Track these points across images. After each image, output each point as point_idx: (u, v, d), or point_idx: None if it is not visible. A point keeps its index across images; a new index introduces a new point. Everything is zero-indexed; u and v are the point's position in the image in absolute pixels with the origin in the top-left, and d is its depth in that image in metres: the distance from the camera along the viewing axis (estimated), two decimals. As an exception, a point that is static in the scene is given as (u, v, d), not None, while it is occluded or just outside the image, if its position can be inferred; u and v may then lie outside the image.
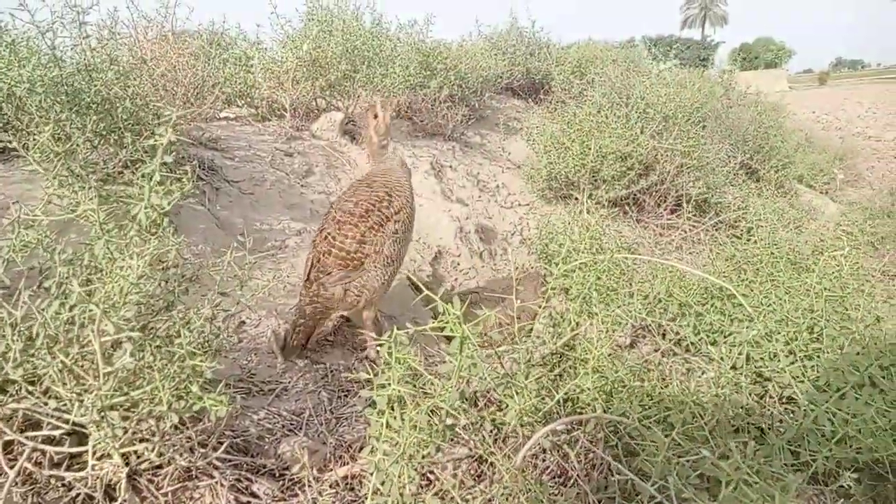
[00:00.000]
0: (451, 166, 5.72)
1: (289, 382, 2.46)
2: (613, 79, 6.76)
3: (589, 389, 1.86)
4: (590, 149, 5.40)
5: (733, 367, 2.25)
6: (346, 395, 2.43)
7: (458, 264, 4.20)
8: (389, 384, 1.65)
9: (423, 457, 1.64)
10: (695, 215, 6.16)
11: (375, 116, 2.73)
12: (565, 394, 1.92)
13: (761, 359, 2.64)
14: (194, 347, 1.71)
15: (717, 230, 6.11)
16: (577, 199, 5.66)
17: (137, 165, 2.97)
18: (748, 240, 4.97)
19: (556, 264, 4.07)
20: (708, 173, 6.28)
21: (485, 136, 7.20)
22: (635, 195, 5.85)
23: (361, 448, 2.16)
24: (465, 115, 6.50)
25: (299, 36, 5.20)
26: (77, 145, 2.76)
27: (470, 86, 6.91)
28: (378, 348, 2.90)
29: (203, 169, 3.49)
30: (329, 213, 2.71)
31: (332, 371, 2.57)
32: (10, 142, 2.50)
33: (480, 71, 7.17)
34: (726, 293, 3.30)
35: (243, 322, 2.71)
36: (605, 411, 1.84)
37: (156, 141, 2.12)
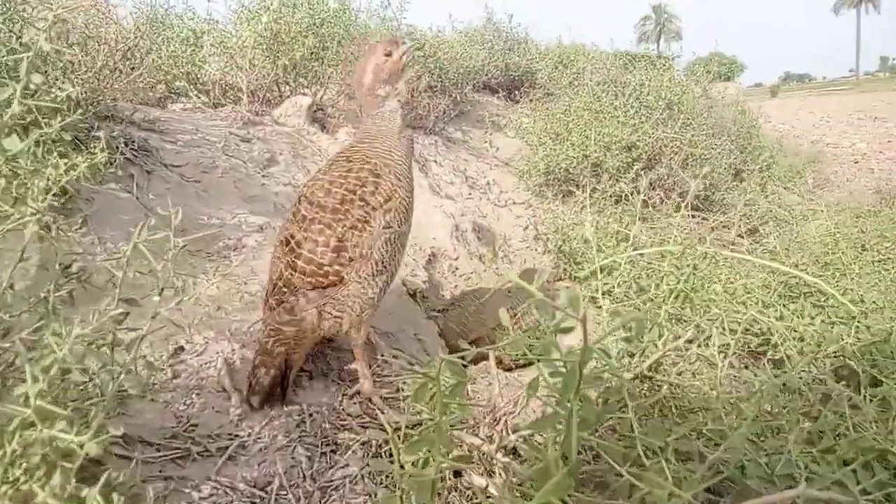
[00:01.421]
0: (436, 161, 5.02)
1: (248, 436, 1.67)
2: (608, 66, 6.19)
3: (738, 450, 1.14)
4: (589, 139, 4.78)
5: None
6: (332, 452, 1.66)
7: (457, 268, 3.48)
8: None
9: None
10: (701, 211, 5.64)
11: (388, 55, 1.97)
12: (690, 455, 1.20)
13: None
14: (72, 399, 0.94)
15: (726, 227, 5.59)
16: (576, 195, 5.03)
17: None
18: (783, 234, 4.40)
19: (577, 263, 3.40)
20: (714, 165, 5.75)
21: (467, 133, 6.53)
22: (639, 189, 5.25)
23: (363, 537, 1.40)
24: (446, 107, 5.83)
25: (258, 8, 4.44)
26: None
27: (450, 77, 6.24)
28: (372, 377, 2.16)
29: (132, 148, 2.69)
30: (295, 204, 1.93)
31: (310, 415, 1.79)
32: None
33: (461, 61, 6.52)
34: (802, 291, 2.67)
35: (181, 348, 1.91)
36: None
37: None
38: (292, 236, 1.82)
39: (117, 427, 0.96)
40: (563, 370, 0.84)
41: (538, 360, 1.02)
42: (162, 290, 1.15)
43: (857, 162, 17.21)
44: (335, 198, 1.81)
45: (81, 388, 1.02)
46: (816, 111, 22.84)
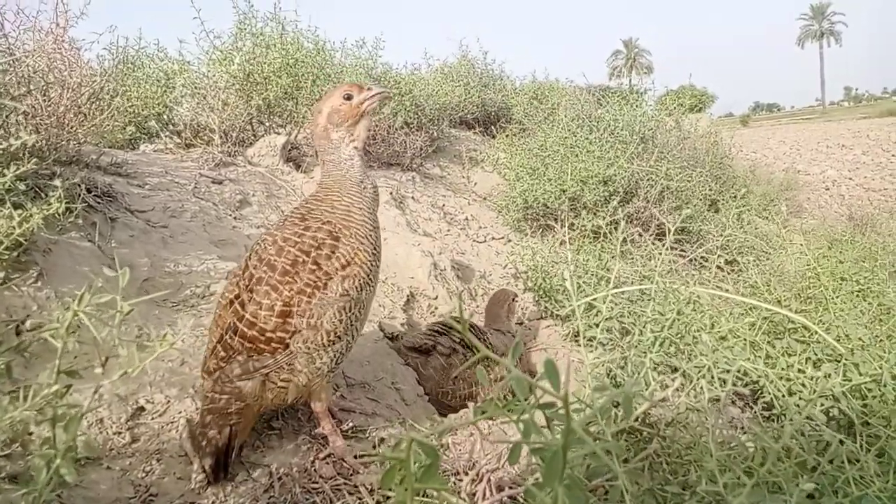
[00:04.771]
0: (413, 197, 4.97)
1: (211, 503, 1.56)
2: (582, 102, 6.27)
3: None
4: (566, 173, 4.80)
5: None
6: (304, 521, 1.55)
7: (436, 308, 3.39)
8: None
9: None
10: (678, 243, 5.65)
11: (347, 98, 1.87)
12: None
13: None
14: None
15: (704, 259, 5.60)
16: (555, 229, 5.01)
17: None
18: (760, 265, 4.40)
19: (558, 301, 3.34)
20: (689, 198, 5.80)
21: (445, 168, 6.53)
22: (617, 223, 5.26)
23: None
24: (423, 144, 5.82)
25: (230, 49, 4.41)
26: None
27: (427, 114, 6.25)
28: (346, 437, 2.03)
29: (95, 195, 2.58)
30: (246, 258, 1.79)
31: (280, 479, 1.67)
32: None
33: (437, 97, 6.55)
34: (787, 328, 2.63)
35: (141, 408, 1.79)
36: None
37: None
38: (237, 296, 1.69)
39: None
40: (546, 448, 0.77)
41: (518, 424, 0.94)
42: (106, 359, 1.06)
43: (828, 189, 17.63)
44: (287, 258, 1.68)
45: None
46: (786, 140, 23.54)
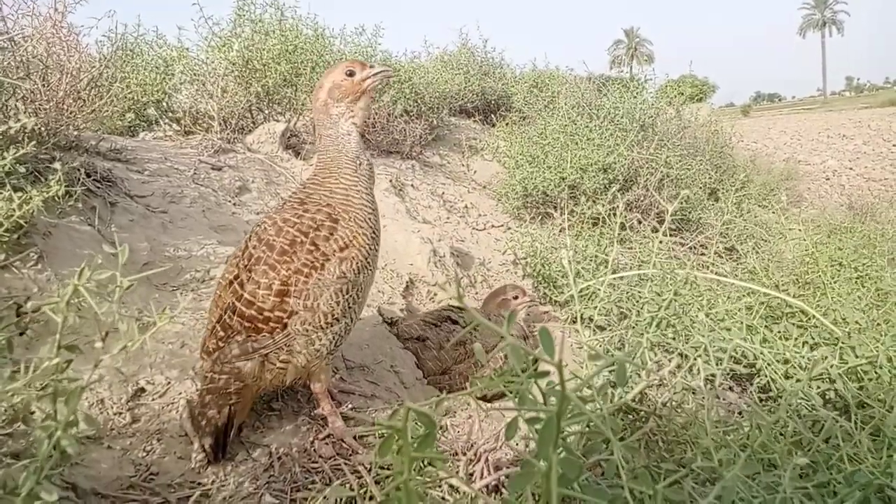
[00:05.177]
0: (412, 185, 4.97)
1: (211, 483, 1.57)
2: (583, 89, 6.25)
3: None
4: (566, 161, 4.80)
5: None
6: (304, 499, 1.56)
7: (435, 294, 3.40)
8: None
9: None
10: (678, 231, 5.66)
11: (350, 74, 1.85)
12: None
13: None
14: None
15: (703, 247, 5.62)
16: (554, 217, 5.01)
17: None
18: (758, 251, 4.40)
19: (557, 287, 3.35)
20: (689, 186, 5.79)
21: (444, 157, 6.52)
22: (615, 211, 5.26)
23: None
24: (423, 132, 5.81)
25: (229, 35, 4.39)
26: None
27: (426, 102, 6.23)
28: (346, 419, 2.05)
29: (94, 179, 2.59)
30: (245, 240, 1.79)
31: (279, 458, 1.69)
32: None
33: (437, 85, 6.53)
34: (785, 312, 2.65)
35: (142, 389, 1.81)
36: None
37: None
38: (237, 277, 1.70)
39: (50, 492, 0.86)
40: (541, 416, 0.78)
41: (514, 398, 0.95)
42: (106, 334, 1.06)
43: (828, 178, 17.56)
44: (286, 238, 1.69)
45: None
46: (787, 130, 23.46)
